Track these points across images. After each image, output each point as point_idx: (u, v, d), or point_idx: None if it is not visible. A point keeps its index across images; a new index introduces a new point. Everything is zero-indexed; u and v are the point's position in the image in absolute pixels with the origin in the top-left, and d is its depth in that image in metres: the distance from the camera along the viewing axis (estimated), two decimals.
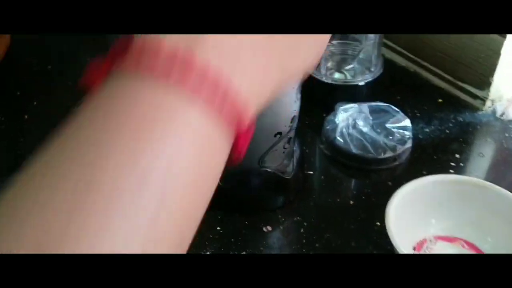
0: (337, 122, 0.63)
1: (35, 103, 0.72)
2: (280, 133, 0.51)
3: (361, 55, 0.71)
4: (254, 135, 0.25)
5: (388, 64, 0.72)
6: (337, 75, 0.70)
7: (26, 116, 0.69)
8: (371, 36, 0.68)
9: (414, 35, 0.75)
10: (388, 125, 0.62)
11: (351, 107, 0.64)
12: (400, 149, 0.60)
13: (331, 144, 0.62)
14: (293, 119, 0.51)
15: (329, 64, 0.71)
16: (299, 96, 0.51)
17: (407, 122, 0.63)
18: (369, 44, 0.69)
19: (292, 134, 0.53)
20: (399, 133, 0.62)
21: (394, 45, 0.77)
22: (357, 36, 0.70)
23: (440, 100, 0.71)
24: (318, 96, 0.69)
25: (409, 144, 0.62)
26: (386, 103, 0.70)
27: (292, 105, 0.50)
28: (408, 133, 0.62)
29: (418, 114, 0.69)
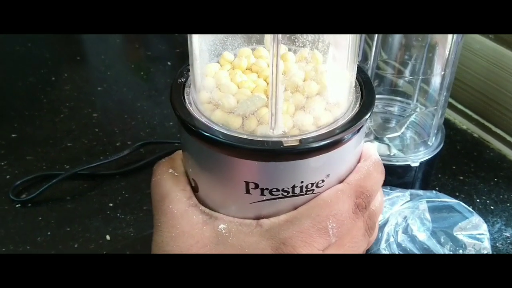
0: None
1: None
2: None
3: (413, 118, 0.51)
4: None
5: (448, 130, 0.52)
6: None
7: None
8: (434, 91, 0.48)
9: (484, 94, 0.55)
10: (456, 233, 0.42)
11: (400, 198, 0.45)
12: None
13: None
14: None
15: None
16: None
17: (483, 228, 0.43)
18: (429, 106, 0.49)
19: None
20: (473, 245, 0.42)
21: (457, 104, 0.57)
22: (410, 90, 0.50)
23: None
24: None
25: None
26: (446, 186, 0.50)
27: None
28: (486, 246, 0.42)
29: (492, 207, 0.49)
